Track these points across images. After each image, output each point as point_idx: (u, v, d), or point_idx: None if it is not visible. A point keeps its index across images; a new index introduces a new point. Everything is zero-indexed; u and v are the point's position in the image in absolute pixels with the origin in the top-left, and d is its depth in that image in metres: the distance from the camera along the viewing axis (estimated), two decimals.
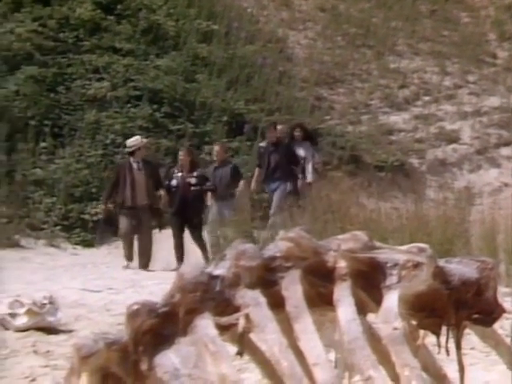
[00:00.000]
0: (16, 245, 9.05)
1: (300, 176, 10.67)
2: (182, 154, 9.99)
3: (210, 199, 9.92)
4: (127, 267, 9.09)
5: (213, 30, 13.48)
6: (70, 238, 9.35)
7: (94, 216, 10.22)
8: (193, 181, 9.65)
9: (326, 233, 6.66)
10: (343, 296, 1.92)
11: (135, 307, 1.93)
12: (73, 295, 5.24)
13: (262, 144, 10.92)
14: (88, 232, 10.00)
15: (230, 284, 1.99)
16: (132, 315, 1.93)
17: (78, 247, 9.00)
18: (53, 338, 3.77)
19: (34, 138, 10.86)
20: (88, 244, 9.84)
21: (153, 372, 1.88)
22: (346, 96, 13.76)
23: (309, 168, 10.75)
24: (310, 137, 11.14)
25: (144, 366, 1.89)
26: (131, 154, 9.59)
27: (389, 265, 2.01)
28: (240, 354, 1.94)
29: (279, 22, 14.66)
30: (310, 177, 10.78)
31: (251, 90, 13.02)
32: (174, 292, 1.97)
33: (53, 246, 9.41)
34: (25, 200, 10.21)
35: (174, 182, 9.68)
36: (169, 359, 1.87)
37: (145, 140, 10.06)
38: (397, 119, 13.48)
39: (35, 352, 3.40)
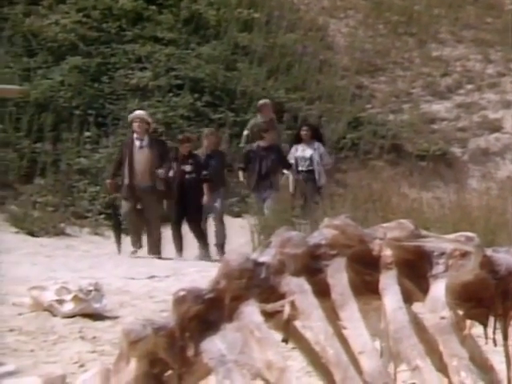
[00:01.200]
0: (62, 233, 9.19)
1: (294, 176, 9.92)
2: (182, 140, 9.49)
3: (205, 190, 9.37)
4: (134, 253, 8.66)
5: (254, 19, 13.46)
6: (109, 226, 9.44)
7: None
8: (187, 168, 9.22)
9: (367, 222, 6.63)
10: (389, 285, 1.92)
11: (182, 293, 1.94)
12: (117, 282, 5.31)
13: (251, 147, 9.99)
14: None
15: (275, 271, 1.99)
16: (178, 301, 1.94)
17: (121, 235, 9.08)
18: (99, 324, 3.83)
19: (78, 128, 10.99)
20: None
21: (199, 358, 1.89)
22: (387, 84, 13.64)
23: (318, 170, 9.94)
24: (318, 136, 10.37)
25: (190, 352, 1.91)
26: (134, 130, 8.95)
27: (435, 254, 1.99)
28: (285, 341, 1.95)
29: (320, 10, 14.59)
30: (320, 180, 9.98)
31: (291, 78, 12.99)
32: (219, 278, 1.98)
33: (97, 234, 9.53)
34: (70, 189, 10.34)
35: (171, 173, 9.26)
36: (215, 345, 1.89)
37: (140, 113, 9.26)
38: (439, 108, 13.34)
39: (82, 338, 3.45)
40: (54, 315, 3.91)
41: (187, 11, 13.14)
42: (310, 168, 9.92)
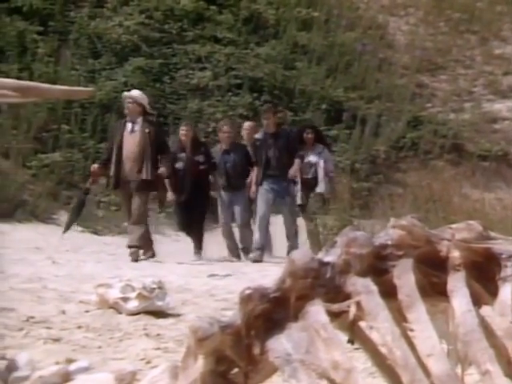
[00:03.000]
0: (124, 232, 9.31)
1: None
2: (184, 130, 8.45)
3: (216, 189, 8.51)
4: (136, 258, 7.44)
5: (313, 18, 13.44)
6: (173, 224, 9.55)
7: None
8: (201, 159, 8.26)
9: (427, 222, 6.55)
10: (458, 287, 1.90)
11: (248, 292, 1.96)
12: (178, 280, 5.38)
13: (258, 135, 8.95)
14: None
15: (341, 271, 1.99)
16: (245, 300, 1.96)
17: (181, 234, 9.18)
18: (162, 321, 3.89)
19: None
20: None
21: (265, 356, 1.91)
22: (448, 83, 13.47)
23: (320, 176, 8.87)
24: (322, 140, 9.31)
25: (256, 350, 1.92)
26: (125, 112, 7.68)
27: (504, 256, 1.96)
28: (351, 341, 1.95)
29: (380, 8, 14.47)
30: (321, 186, 8.92)
31: (350, 77, 12.93)
32: (284, 278, 1.99)
33: (158, 232, 9.63)
34: None
35: (179, 165, 8.14)
36: (281, 344, 1.89)
37: (135, 93, 7.97)
38: (501, 107, 13.10)
39: (147, 335, 3.51)
40: (119, 312, 3.98)
41: (247, 11, 13.20)
42: (316, 175, 8.89)
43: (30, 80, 9.95)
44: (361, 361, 2.33)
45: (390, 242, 1.99)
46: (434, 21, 14.37)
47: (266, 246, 8.55)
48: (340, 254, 1.99)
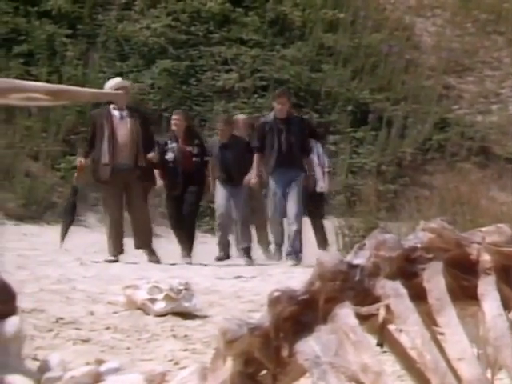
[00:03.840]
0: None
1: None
2: (176, 119, 7.96)
3: (213, 184, 8.03)
4: (113, 260, 7.13)
5: (338, 19, 13.41)
6: (200, 226, 9.56)
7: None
8: (194, 150, 7.77)
9: (455, 225, 6.50)
10: (488, 290, 1.89)
11: (276, 294, 1.96)
12: (205, 282, 5.40)
13: (266, 118, 8.28)
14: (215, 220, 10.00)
15: (370, 274, 1.99)
16: (273, 302, 1.96)
17: (208, 235, 9.21)
18: (189, 322, 3.91)
19: (166, 130, 11.18)
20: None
21: (293, 359, 1.91)
22: (475, 85, 13.36)
23: (318, 174, 8.24)
24: (314, 133, 8.55)
25: (285, 353, 1.93)
26: (109, 101, 7.27)
27: None
28: (380, 344, 1.94)
29: (406, 9, 14.40)
30: (320, 185, 8.27)
31: (377, 79, 12.88)
32: (313, 280, 1.99)
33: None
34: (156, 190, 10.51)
35: (169, 156, 7.69)
36: (309, 346, 1.90)
37: (127, 82, 8.19)
38: None
39: (174, 336, 3.54)
40: (147, 313, 4.01)
41: (273, 13, 13.20)
42: (313, 173, 8.19)
43: (59, 83, 10.07)
44: (388, 363, 2.32)
45: (419, 245, 1.98)
46: (460, 22, 14.27)
47: (282, 246, 7.99)
48: (369, 257, 1.98)
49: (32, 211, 9.38)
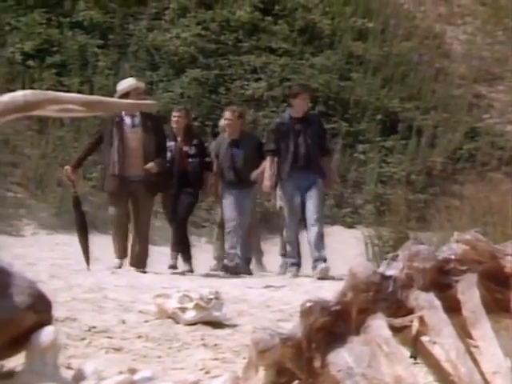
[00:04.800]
0: None
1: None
2: (177, 116, 7.54)
3: (215, 188, 7.50)
4: (118, 267, 6.93)
5: (368, 28, 13.39)
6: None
7: None
8: (192, 150, 7.34)
9: (486, 236, 6.42)
10: None
11: (309, 305, 1.96)
12: (234, 291, 5.41)
13: (282, 119, 7.62)
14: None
15: (403, 285, 1.98)
16: (306, 312, 1.96)
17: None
18: (219, 331, 3.92)
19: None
20: None
21: (326, 369, 1.91)
22: (505, 94, 13.24)
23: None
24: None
25: (317, 363, 1.92)
26: None
27: None
28: (413, 357, 1.93)
29: (437, 18, 14.33)
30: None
31: (406, 87, 12.82)
32: (346, 291, 1.99)
33: (212, 243, 9.69)
34: None
35: (167, 155, 7.31)
36: (342, 358, 1.89)
37: (141, 83, 7.58)
38: None
39: (204, 345, 3.55)
40: (177, 322, 4.03)
41: (302, 21, 13.21)
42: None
43: (91, 92, 10.18)
44: (420, 375, 2.30)
45: (453, 257, 1.97)
46: (491, 30, 14.17)
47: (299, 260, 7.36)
48: (402, 268, 1.98)
49: (64, 221, 9.46)
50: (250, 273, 7.45)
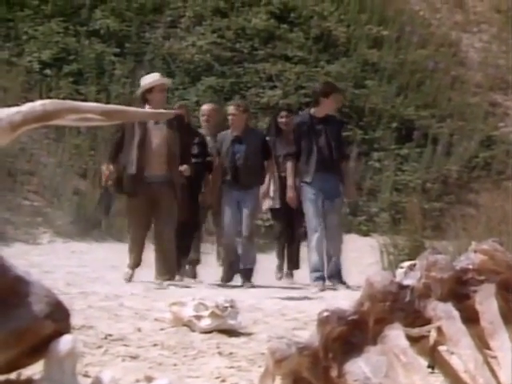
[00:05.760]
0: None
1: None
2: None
3: (214, 189, 6.88)
4: (130, 278, 6.46)
5: (383, 35, 13.38)
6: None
7: (266, 222, 10.12)
8: (194, 150, 6.83)
9: (502, 245, 6.35)
10: None
11: (326, 314, 1.96)
12: (249, 299, 5.40)
13: (302, 118, 6.99)
14: (262, 238, 9.83)
15: (420, 295, 1.98)
16: (322, 322, 1.96)
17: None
18: (234, 340, 3.92)
19: None
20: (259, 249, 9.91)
21: (342, 379, 1.90)
22: None
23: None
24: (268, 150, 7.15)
25: (334, 373, 1.92)
26: (145, 100, 6.37)
27: None
28: (431, 367, 1.92)
29: (452, 25, 14.29)
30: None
31: (422, 95, 12.79)
32: (363, 300, 1.99)
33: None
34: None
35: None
36: (359, 367, 1.89)
37: (166, 80, 7.17)
38: None
39: (220, 353, 3.54)
40: (193, 330, 4.03)
41: (317, 29, 13.22)
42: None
43: (108, 101, 10.22)
44: None
45: (471, 267, 1.97)
46: (507, 38, 14.10)
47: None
48: (420, 278, 1.97)
49: (80, 229, 9.49)
50: (249, 284, 6.87)
